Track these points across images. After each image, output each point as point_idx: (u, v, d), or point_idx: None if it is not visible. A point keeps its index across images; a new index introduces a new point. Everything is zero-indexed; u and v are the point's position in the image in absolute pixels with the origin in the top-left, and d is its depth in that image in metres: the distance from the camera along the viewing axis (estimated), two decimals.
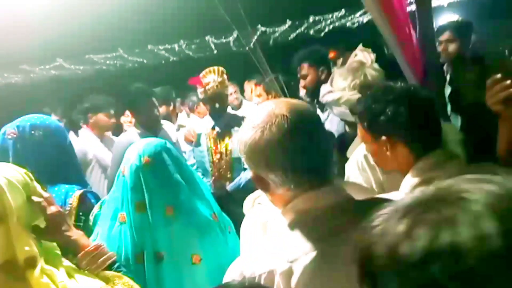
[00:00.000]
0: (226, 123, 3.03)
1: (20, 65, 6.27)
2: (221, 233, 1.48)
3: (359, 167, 1.51)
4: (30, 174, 1.25)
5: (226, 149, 3.02)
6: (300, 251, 0.86)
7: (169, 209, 1.39)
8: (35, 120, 1.66)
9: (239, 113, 3.73)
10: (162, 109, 3.64)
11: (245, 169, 3.01)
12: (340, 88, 1.72)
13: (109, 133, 3.43)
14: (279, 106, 0.93)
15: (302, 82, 2.74)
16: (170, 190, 1.40)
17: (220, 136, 3.02)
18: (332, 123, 2.24)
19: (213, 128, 3.04)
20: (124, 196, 1.39)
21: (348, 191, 0.99)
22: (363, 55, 1.91)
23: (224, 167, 3.01)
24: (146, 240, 1.36)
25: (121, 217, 1.39)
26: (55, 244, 1.20)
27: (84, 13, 4.95)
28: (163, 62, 7.71)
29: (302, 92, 2.82)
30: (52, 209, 1.20)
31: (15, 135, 1.62)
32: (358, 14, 7.01)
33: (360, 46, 2.01)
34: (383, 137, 1.25)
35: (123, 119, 3.76)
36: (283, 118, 0.90)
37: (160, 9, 5.27)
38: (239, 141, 0.97)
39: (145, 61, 7.51)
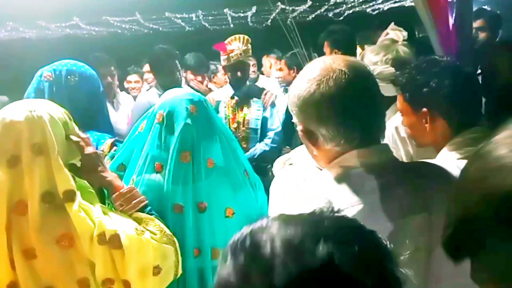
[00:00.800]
0: (245, 93, 3.04)
1: (37, 21, 6.23)
2: (252, 190, 1.52)
3: (389, 139, 1.53)
4: (69, 114, 1.28)
5: (244, 119, 3.04)
6: (346, 203, 0.88)
7: (210, 162, 1.42)
8: (71, 65, 1.68)
9: (258, 84, 3.74)
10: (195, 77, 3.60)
11: (261, 140, 3.04)
12: (372, 62, 1.73)
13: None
14: (337, 61, 0.94)
15: None
16: (212, 142, 1.43)
17: (239, 106, 3.04)
18: None
19: (232, 97, 3.05)
20: (162, 146, 1.41)
21: None
22: (394, 33, 1.92)
23: (240, 137, 3.04)
24: (187, 190, 1.39)
25: (157, 166, 1.41)
26: (86, 182, 1.24)
27: None
28: (176, 30, 7.64)
29: None
30: (89, 150, 1.25)
31: (51, 78, 1.64)
32: (380, 1, 6.92)
33: (392, 25, 2.01)
34: (424, 109, 1.26)
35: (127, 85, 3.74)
36: (341, 72, 0.91)
37: None
38: (290, 94, 0.99)
39: (160, 28, 7.44)
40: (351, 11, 7.77)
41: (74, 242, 1.09)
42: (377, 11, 7.56)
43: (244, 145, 3.06)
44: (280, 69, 3.79)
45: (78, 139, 1.23)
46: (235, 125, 3.05)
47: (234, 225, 1.43)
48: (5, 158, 1.10)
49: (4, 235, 1.07)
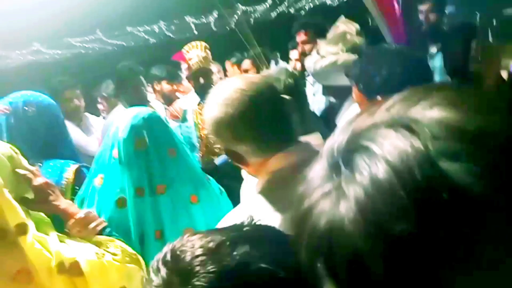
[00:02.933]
0: None
1: None
2: (215, 190, 1.58)
3: None
4: (15, 148, 1.27)
5: None
6: (281, 204, 0.93)
7: (172, 151, 1.51)
8: (28, 96, 1.67)
9: None
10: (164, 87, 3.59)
11: None
12: (332, 52, 1.77)
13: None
14: (238, 82, 1.00)
15: (301, 48, 2.76)
16: (173, 136, 1.54)
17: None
18: (320, 96, 2.29)
19: (199, 104, 3.06)
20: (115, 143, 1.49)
21: None
22: (346, 26, 1.96)
23: (211, 141, 3.05)
24: (147, 175, 1.47)
25: (114, 153, 1.49)
26: (43, 214, 1.23)
27: None
28: (141, 44, 7.61)
29: (290, 66, 2.87)
30: (38, 181, 1.23)
31: (8, 111, 1.63)
32: None
33: (342, 18, 2.06)
34: (378, 97, 1.30)
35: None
36: (243, 92, 0.97)
37: None
38: (205, 120, 1.03)
39: (124, 43, 7.39)
40: (311, 5, 7.85)
41: (33, 276, 1.06)
42: (337, 1, 7.67)
43: (216, 149, 3.07)
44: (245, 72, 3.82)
45: (25, 172, 1.21)
46: (205, 131, 3.06)
47: (200, 212, 1.51)
48: None
49: None
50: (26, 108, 1.65)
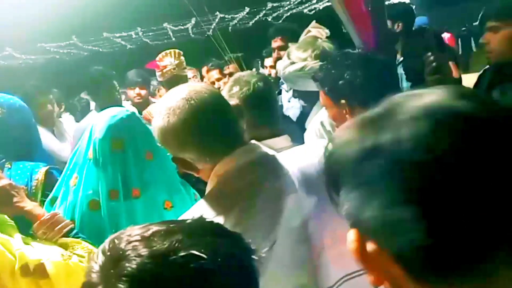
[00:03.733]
0: None
1: None
2: (189, 196, 1.57)
3: (316, 134, 1.61)
4: None
5: None
6: (225, 207, 0.95)
7: (149, 154, 1.47)
8: None
9: None
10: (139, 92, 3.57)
11: None
12: (302, 58, 1.81)
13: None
14: (180, 90, 1.02)
15: (277, 54, 2.79)
16: (152, 139, 1.49)
17: None
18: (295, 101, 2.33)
19: None
20: (91, 143, 1.46)
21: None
22: (316, 31, 2.01)
23: None
24: (122, 177, 1.43)
25: (89, 153, 1.45)
26: (6, 216, 1.20)
27: (34, 1, 4.80)
28: (117, 50, 7.57)
29: (269, 71, 2.89)
30: (1, 182, 1.22)
31: None
32: (314, 1, 7.15)
33: (313, 23, 2.11)
34: (343, 101, 1.34)
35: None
36: (184, 101, 0.98)
37: None
38: (152, 129, 1.05)
39: (100, 49, 7.34)
40: (288, 13, 7.96)
41: None
42: (314, 10, 7.80)
43: None
44: (218, 79, 3.85)
45: None
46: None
47: (173, 217, 1.49)
48: None
49: None
50: None
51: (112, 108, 1.56)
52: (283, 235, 0.92)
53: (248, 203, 0.94)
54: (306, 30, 1.99)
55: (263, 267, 0.60)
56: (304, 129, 1.89)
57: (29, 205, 1.22)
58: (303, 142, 1.76)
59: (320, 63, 1.71)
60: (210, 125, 0.99)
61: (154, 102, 3.61)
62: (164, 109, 0.99)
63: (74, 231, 1.24)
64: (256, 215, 0.92)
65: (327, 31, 1.93)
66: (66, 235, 1.22)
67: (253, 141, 1.07)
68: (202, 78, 4.71)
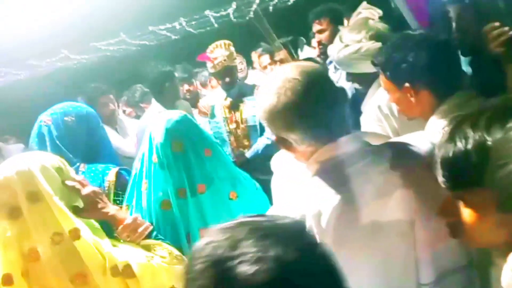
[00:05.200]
0: (238, 93, 3.11)
1: (27, 61, 6.35)
2: (252, 185, 1.63)
3: (374, 118, 1.59)
4: (64, 160, 1.35)
5: (241, 118, 3.11)
6: (326, 195, 0.96)
7: (207, 151, 1.56)
8: (67, 107, 1.78)
9: (248, 81, 3.81)
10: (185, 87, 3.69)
11: (261, 135, 3.11)
12: (356, 40, 1.77)
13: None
14: (291, 70, 1.02)
15: (317, 38, 2.77)
16: (206, 136, 1.60)
17: (234, 106, 3.12)
18: (344, 82, 2.30)
19: (225, 99, 3.13)
20: (153, 148, 1.55)
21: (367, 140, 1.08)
22: (368, 12, 1.96)
23: (241, 135, 3.12)
24: (187, 176, 1.52)
25: (154, 158, 1.55)
26: (92, 221, 1.30)
27: (82, 1, 4.98)
28: (163, 42, 7.71)
29: (315, 53, 2.86)
30: (86, 190, 1.30)
31: (50, 123, 1.73)
32: None
33: (364, 4, 2.05)
34: (406, 84, 1.31)
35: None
36: (296, 81, 0.98)
37: None
38: (257, 108, 1.06)
39: (147, 43, 7.51)
40: None
41: (87, 278, 1.14)
42: None
43: (246, 143, 3.14)
44: (265, 67, 3.85)
45: (73, 183, 1.28)
46: (234, 125, 3.13)
47: (239, 208, 1.56)
48: (6, 212, 1.16)
49: (23, 281, 1.14)
50: (66, 119, 1.75)
51: (167, 111, 1.65)
52: (387, 229, 0.93)
53: (352, 194, 0.93)
54: (356, 12, 1.95)
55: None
56: (359, 113, 1.87)
57: (112, 210, 1.32)
58: (359, 126, 1.75)
59: (376, 43, 1.67)
60: (319, 108, 0.99)
61: (205, 95, 3.69)
62: (274, 88, 0.99)
63: (154, 233, 1.32)
64: (360, 207, 0.93)
65: (380, 11, 1.88)
66: (147, 237, 1.30)
67: (358, 131, 1.06)
68: (249, 62, 4.73)
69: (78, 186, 1.28)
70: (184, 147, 1.54)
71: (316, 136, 1.00)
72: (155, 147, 1.56)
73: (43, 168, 1.21)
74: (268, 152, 3.03)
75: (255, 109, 3.09)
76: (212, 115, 3.18)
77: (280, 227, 0.61)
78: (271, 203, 1.69)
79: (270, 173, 2.59)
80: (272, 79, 1.03)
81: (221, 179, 1.58)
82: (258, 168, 2.57)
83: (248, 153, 3.10)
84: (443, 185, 0.77)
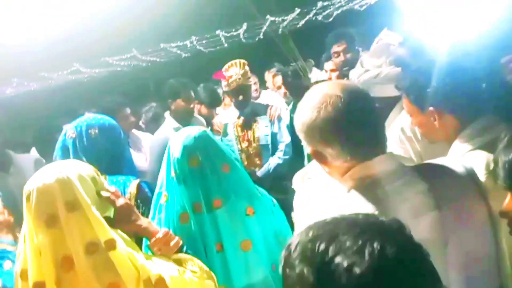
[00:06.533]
0: (251, 112, 3.15)
1: (40, 73, 6.44)
2: (269, 202, 1.65)
3: (396, 140, 1.61)
4: (97, 170, 1.36)
5: (254, 137, 3.14)
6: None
7: (226, 167, 1.59)
8: (91, 120, 1.81)
9: (261, 101, 3.85)
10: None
11: (273, 155, 3.13)
12: (376, 65, 1.81)
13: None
14: (332, 87, 1.05)
15: (336, 59, 2.81)
16: (225, 152, 1.63)
17: (247, 125, 3.15)
18: None
19: (238, 117, 3.16)
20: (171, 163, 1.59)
21: None
22: (389, 38, 2.00)
23: (252, 153, 3.14)
24: (202, 191, 1.55)
25: (172, 173, 1.59)
26: (123, 234, 1.29)
27: (96, 16, 5.08)
28: (173, 59, 7.81)
29: (326, 76, 2.91)
30: (120, 202, 1.31)
31: (74, 135, 1.76)
32: None
33: (385, 30, 2.10)
34: (431, 108, 1.34)
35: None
36: (337, 98, 1.01)
37: (170, 7, 5.38)
38: (296, 121, 1.09)
39: (158, 59, 7.62)
40: (339, 11, 7.85)
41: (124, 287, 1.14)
42: (365, 6, 7.64)
43: (258, 161, 3.15)
44: (279, 87, 3.90)
45: (108, 194, 1.29)
46: (246, 143, 3.15)
47: (256, 223, 1.58)
48: (43, 220, 1.17)
49: None
50: (89, 131, 1.78)
51: (187, 128, 1.68)
52: None
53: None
54: (377, 38, 2.00)
55: None
56: None
57: (145, 223, 1.32)
58: None
59: (396, 68, 1.70)
60: (359, 125, 1.01)
61: (217, 114, 3.73)
62: (314, 103, 1.02)
63: (185, 248, 1.32)
64: None
65: (400, 37, 1.92)
66: (178, 251, 1.30)
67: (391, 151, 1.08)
68: (263, 83, 4.78)
69: (112, 197, 1.28)
70: (201, 162, 1.57)
71: (353, 152, 1.01)
72: (172, 162, 1.58)
73: (80, 177, 1.22)
74: (279, 172, 3.06)
75: (267, 128, 3.12)
76: (225, 133, 3.21)
77: (377, 223, 0.64)
78: (288, 221, 1.71)
79: (283, 192, 2.59)
80: (313, 95, 1.05)
81: (238, 195, 1.60)
82: (268, 185, 2.58)
83: (259, 172, 3.11)
84: (504, 188, 0.86)
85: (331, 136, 1.01)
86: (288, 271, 0.64)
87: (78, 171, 1.24)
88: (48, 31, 4.82)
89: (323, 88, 1.05)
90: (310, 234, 0.63)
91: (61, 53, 5.69)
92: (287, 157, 3.13)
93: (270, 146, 3.12)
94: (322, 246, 0.60)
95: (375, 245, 0.58)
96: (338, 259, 0.58)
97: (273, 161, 3.11)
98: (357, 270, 0.56)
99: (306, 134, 1.05)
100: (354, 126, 1.00)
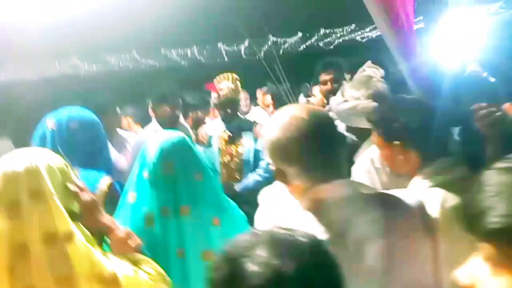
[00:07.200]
0: (236, 127, 3.19)
1: (37, 61, 6.46)
2: (237, 215, 1.67)
3: (365, 170, 1.66)
4: (67, 162, 1.37)
5: (236, 152, 3.17)
6: (314, 231, 1.01)
7: (198, 176, 1.61)
8: (72, 113, 1.82)
9: (249, 117, 3.90)
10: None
11: (253, 171, 3.16)
12: (355, 97, 1.87)
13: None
14: (300, 110, 1.10)
15: (328, 87, 2.87)
16: (201, 161, 1.65)
17: (231, 139, 3.18)
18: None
19: (224, 131, 3.20)
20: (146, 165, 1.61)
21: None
22: (371, 70, 2.07)
23: (234, 168, 3.16)
24: (173, 196, 1.56)
25: (145, 174, 1.60)
26: (85, 229, 1.29)
27: (98, 13, 5.12)
28: (171, 66, 7.89)
29: (318, 100, 2.98)
30: (85, 196, 1.30)
31: (54, 127, 1.78)
32: (368, 29, 7.18)
33: (368, 63, 2.17)
34: (396, 143, 1.39)
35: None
36: (302, 120, 1.06)
37: (175, 14, 5.46)
38: (263, 139, 1.13)
39: (157, 64, 7.68)
40: (341, 40, 8.02)
41: (73, 282, 1.14)
42: (366, 38, 7.81)
43: (238, 176, 3.18)
44: (267, 105, 3.96)
45: (74, 188, 1.29)
46: (228, 157, 3.18)
47: (221, 235, 1.58)
48: (4, 205, 1.17)
49: (6, 276, 1.13)
50: (70, 124, 1.80)
51: (166, 131, 1.70)
52: (362, 274, 0.98)
53: (336, 238, 0.99)
54: (361, 69, 2.06)
55: None
56: (351, 162, 1.94)
57: (108, 221, 1.33)
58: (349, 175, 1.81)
59: (373, 103, 1.76)
60: (319, 148, 1.06)
61: (205, 123, 3.77)
62: (281, 123, 1.08)
63: (142, 250, 1.33)
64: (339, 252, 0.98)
65: (382, 71, 1.99)
66: (136, 251, 1.31)
67: (350, 178, 1.12)
68: (254, 99, 4.84)
69: (78, 191, 1.29)
70: (175, 168, 1.59)
71: (311, 174, 1.06)
72: (147, 163, 1.61)
73: (49, 167, 1.23)
74: (258, 188, 3.07)
75: (251, 145, 3.16)
76: (209, 145, 3.24)
77: (296, 242, 0.72)
78: None
79: (256, 206, 2.60)
80: (281, 115, 1.11)
81: (206, 204, 1.62)
82: (246, 201, 2.60)
83: (237, 187, 3.14)
84: None
85: (293, 156, 1.06)
86: (214, 274, 0.71)
87: (47, 161, 1.25)
88: (51, 19, 4.84)
89: (291, 110, 1.11)
90: (235, 244, 0.73)
91: (61, 43, 5.72)
92: (267, 175, 3.14)
93: (251, 162, 3.15)
94: (238, 254, 0.70)
95: (277, 261, 0.67)
96: (246, 266, 0.67)
97: (252, 177, 3.14)
98: (255, 279, 0.66)
99: (269, 151, 1.10)
100: (315, 149, 1.05)
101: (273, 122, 1.11)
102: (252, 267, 0.67)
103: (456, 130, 1.68)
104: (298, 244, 0.71)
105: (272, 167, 1.13)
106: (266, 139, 1.11)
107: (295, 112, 1.09)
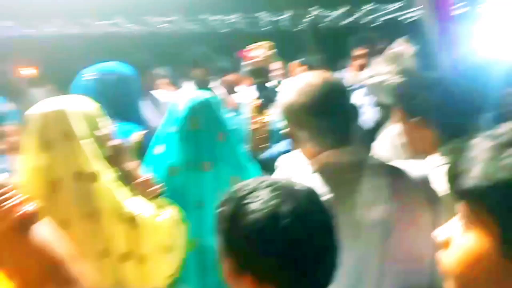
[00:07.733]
0: (267, 96, 3.23)
1: (81, 18, 6.63)
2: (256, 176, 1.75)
3: (388, 144, 1.70)
4: (100, 110, 1.48)
5: (265, 120, 3.22)
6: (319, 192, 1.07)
7: (221, 136, 1.72)
8: (112, 66, 1.94)
9: (279, 88, 3.93)
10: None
11: (279, 141, 3.21)
12: (384, 72, 1.89)
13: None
14: (316, 77, 1.15)
15: (356, 62, 2.87)
16: (225, 123, 1.75)
17: (261, 108, 3.23)
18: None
19: (254, 99, 3.25)
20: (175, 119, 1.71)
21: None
22: (403, 47, 2.06)
23: (260, 137, 3.22)
24: (196, 152, 1.67)
25: (173, 128, 1.69)
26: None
27: None
28: (210, 32, 7.88)
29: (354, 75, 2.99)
30: (114, 142, 1.44)
31: (92, 77, 1.90)
32: (411, 9, 6.96)
33: (400, 40, 2.16)
34: (416, 119, 1.42)
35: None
36: (316, 87, 1.12)
37: None
38: (279, 102, 1.20)
39: (196, 28, 7.71)
40: (382, 19, 7.80)
41: (97, 219, 1.27)
42: (409, 20, 7.56)
43: (264, 145, 3.24)
44: None
45: (104, 132, 1.41)
46: (256, 125, 3.24)
47: None
48: (40, 144, 1.29)
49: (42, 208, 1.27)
50: (108, 77, 1.91)
51: (198, 91, 1.78)
52: (363, 239, 1.04)
53: (339, 201, 1.05)
54: (392, 45, 2.06)
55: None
56: (374, 139, 1.97)
57: (133, 165, 1.45)
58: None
59: (401, 79, 1.77)
60: (329, 116, 1.12)
61: (236, 92, 3.83)
62: (296, 88, 1.13)
63: (163, 195, 1.44)
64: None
65: (413, 48, 1.98)
66: (157, 196, 1.43)
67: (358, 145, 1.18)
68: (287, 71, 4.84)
69: (108, 136, 1.41)
70: (200, 126, 1.70)
71: (321, 139, 1.12)
72: (175, 119, 1.70)
73: (81, 112, 1.35)
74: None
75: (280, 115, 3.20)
76: (239, 111, 3.31)
77: (294, 188, 0.81)
78: None
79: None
80: (297, 81, 1.16)
81: (226, 163, 1.72)
82: (269, 169, 2.66)
83: (262, 155, 3.20)
84: None
85: (303, 121, 1.12)
86: (220, 208, 0.82)
87: (82, 106, 1.37)
88: None
89: (308, 77, 1.16)
90: (240, 187, 0.82)
91: (105, 4, 5.85)
92: (290, 148, 3.20)
93: (278, 132, 3.20)
94: (243, 195, 0.80)
95: (276, 200, 0.77)
96: (249, 205, 0.77)
97: (277, 148, 3.20)
98: (255, 216, 0.76)
99: (284, 115, 1.17)
100: (326, 116, 1.11)
101: (289, 87, 1.16)
102: (253, 205, 0.76)
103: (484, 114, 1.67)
104: (295, 190, 0.80)
105: (287, 130, 1.20)
106: (281, 103, 1.17)
107: (310, 78, 1.14)
